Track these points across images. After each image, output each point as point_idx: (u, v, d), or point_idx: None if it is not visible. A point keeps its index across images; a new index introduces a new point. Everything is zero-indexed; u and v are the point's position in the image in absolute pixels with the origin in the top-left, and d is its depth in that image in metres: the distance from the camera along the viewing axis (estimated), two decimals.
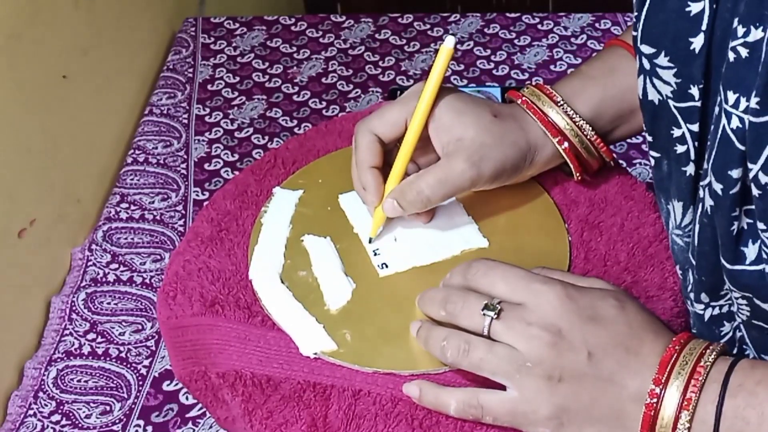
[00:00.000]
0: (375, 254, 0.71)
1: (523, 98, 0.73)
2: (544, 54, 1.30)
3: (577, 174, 0.73)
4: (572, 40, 1.31)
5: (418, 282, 0.68)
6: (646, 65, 0.61)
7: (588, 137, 0.72)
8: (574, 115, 0.72)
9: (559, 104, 0.72)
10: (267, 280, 0.69)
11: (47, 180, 1.03)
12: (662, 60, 0.59)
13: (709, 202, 0.58)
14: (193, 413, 0.88)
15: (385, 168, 0.71)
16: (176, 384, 0.90)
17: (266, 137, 1.20)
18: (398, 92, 1.21)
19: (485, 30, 1.35)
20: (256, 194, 0.77)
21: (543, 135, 0.71)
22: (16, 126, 0.97)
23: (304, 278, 0.69)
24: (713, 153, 0.56)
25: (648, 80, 0.61)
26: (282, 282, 0.69)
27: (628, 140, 1.14)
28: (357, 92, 1.26)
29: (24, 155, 0.98)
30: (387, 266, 0.70)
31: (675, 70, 0.59)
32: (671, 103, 0.60)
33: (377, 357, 0.63)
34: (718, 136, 0.55)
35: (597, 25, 1.33)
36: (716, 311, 0.64)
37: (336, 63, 1.32)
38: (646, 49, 0.60)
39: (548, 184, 0.76)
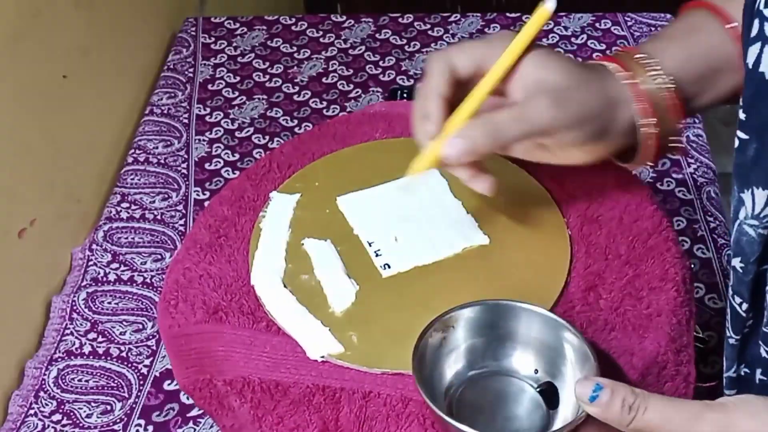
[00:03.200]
0: (377, 255, 0.71)
1: (611, 57, 0.68)
2: None
3: (652, 142, 0.67)
4: (572, 40, 1.31)
5: (422, 281, 0.68)
6: (767, 32, 0.56)
7: (667, 101, 0.65)
8: (658, 79, 0.65)
9: (647, 68, 0.66)
10: (270, 285, 0.69)
11: (47, 180, 1.03)
12: None
13: None
14: (193, 413, 0.88)
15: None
16: (177, 383, 0.90)
17: (267, 137, 1.20)
18: (398, 92, 1.20)
19: (485, 30, 1.35)
20: (253, 199, 0.77)
21: (626, 92, 0.65)
22: (16, 126, 0.97)
23: (306, 282, 0.69)
24: None
25: (765, 49, 0.57)
26: (285, 286, 0.69)
27: None
28: (357, 92, 1.26)
29: (24, 155, 0.98)
30: (389, 267, 0.70)
31: None
32: None
33: (385, 358, 0.63)
34: None
35: (597, 25, 1.33)
36: None
37: (336, 63, 1.32)
38: None
39: (545, 180, 0.76)
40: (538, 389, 0.60)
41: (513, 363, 0.62)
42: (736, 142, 0.61)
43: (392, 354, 0.63)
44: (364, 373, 0.63)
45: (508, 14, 1.38)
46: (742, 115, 0.60)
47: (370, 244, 0.72)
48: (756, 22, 0.56)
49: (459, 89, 0.64)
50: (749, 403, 0.52)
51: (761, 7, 0.56)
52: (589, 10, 1.37)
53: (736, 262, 0.65)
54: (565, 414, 0.57)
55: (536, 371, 0.61)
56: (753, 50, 0.57)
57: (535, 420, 0.59)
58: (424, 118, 0.64)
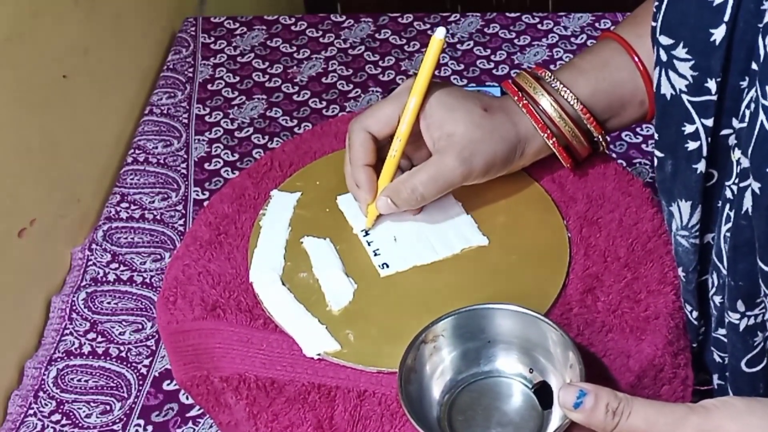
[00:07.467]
0: (375, 254, 0.71)
1: (515, 90, 0.72)
2: (544, 54, 1.30)
3: (567, 164, 0.74)
4: (572, 39, 1.31)
5: (420, 281, 0.68)
6: (663, 57, 0.60)
7: (581, 126, 0.71)
8: (566, 104, 0.71)
9: (551, 93, 0.71)
10: (268, 282, 0.69)
11: (47, 180, 1.03)
12: (680, 51, 0.58)
13: (748, 202, 0.56)
14: (193, 413, 0.88)
15: (377, 163, 0.72)
16: (176, 383, 0.91)
17: (266, 137, 1.21)
18: None
19: (485, 30, 1.35)
20: (254, 197, 0.77)
21: (533, 128, 0.71)
22: (16, 126, 0.97)
23: (305, 280, 0.69)
24: (749, 151, 0.54)
25: (663, 73, 0.60)
26: (283, 284, 0.69)
27: (628, 140, 1.14)
28: (357, 92, 1.27)
29: (24, 155, 0.99)
30: (388, 266, 0.70)
31: (692, 62, 0.58)
32: (685, 97, 0.59)
33: (381, 357, 0.63)
34: (755, 132, 0.53)
35: (597, 25, 1.33)
36: (751, 321, 0.63)
37: (336, 63, 1.32)
38: (665, 40, 0.59)
39: (545, 182, 0.76)
40: (532, 389, 0.60)
41: (505, 365, 0.62)
42: (655, 161, 0.64)
43: (388, 353, 0.63)
44: (359, 372, 0.63)
45: (508, 14, 1.38)
46: (656, 135, 0.63)
47: (369, 244, 0.72)
48: (655, 48, 0.60)
49: (382, 146, 0.71)
50: (731, 406, 0.53)
51: (657, 34, 0.59)
52: (589, 10, 1.37)
53: (679, 272, 0.68)
54: (559, 413, 0.57)
55: (531, 371, 0.61)
56: (655, 74, 0.61)
57: (528, 421, 0.59)
58: (358, 187, 0.71)
